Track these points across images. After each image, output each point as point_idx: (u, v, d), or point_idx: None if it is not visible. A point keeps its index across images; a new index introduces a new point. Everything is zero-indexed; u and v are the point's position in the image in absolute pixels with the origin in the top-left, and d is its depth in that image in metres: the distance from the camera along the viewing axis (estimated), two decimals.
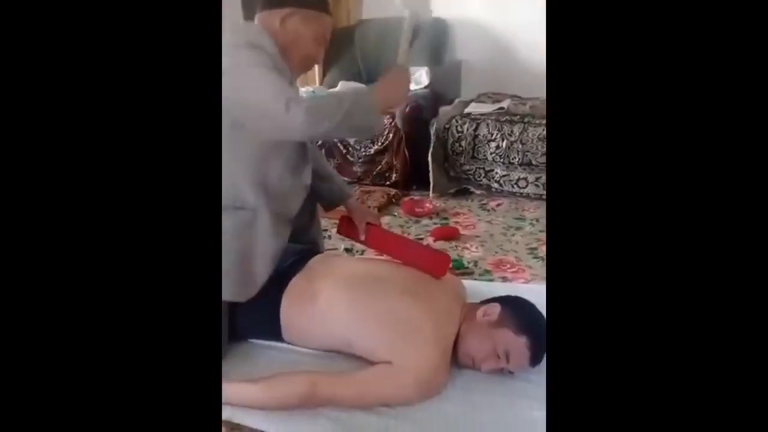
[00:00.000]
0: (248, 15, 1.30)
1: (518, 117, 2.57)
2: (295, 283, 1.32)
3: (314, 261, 1.42)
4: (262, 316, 1.32)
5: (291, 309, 1.30)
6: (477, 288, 1.62)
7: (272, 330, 1.33)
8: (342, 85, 3.11)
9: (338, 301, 1.26)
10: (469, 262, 1.95)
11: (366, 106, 1.18)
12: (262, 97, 1.11)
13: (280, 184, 1.30)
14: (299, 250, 1.45)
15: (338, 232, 1.59)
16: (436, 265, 1.42)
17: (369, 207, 2.43)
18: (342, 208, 1.57)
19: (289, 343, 1.35)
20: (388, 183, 2.74)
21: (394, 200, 2.57)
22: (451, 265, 1.88)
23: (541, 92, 2.79)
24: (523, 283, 1.79)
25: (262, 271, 1.29)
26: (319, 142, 2.81)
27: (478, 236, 2.19)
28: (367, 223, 1.51)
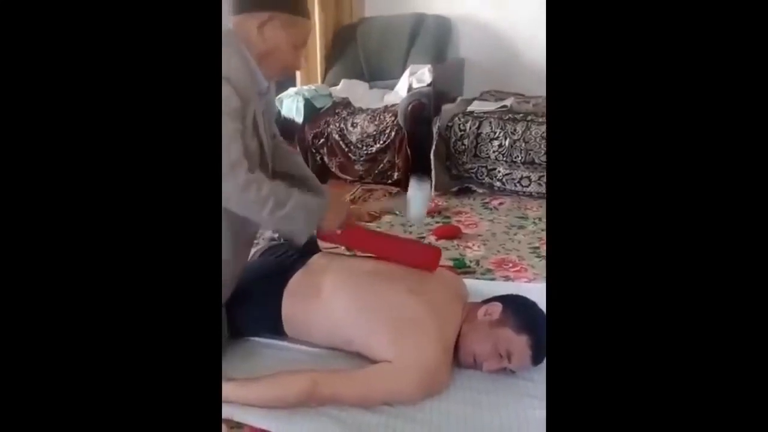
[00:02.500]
0: (235, 10, 1.22)
1: (521, 115, 2.56)
2: (297, 279, 1.32)
3: (316, 258, 1.41)
4: (264, 311, 1.32)
5: (293, 303, 1.30)
6: (479, 287, 1.61)
7: (273, 325, 1.32)
8: (344, 84, 3.10)
9: (340, 297, 1.26)
10: (471, 261, 1.94)
11: (310, 222, 1.18)
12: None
13: None
14: (300, 249, 1.44)
15: (318, 236, 1.47)
16: (425, 259, 1.35)
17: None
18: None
19: (290, 338, 1.35)
20: (389, 181, 2.73)
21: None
22: (452, 264, 1.88)
23: (545, 90, 2.79)
24: (526, 282, 1.78)
25: (223, 291, 1.25)
26: (321, 140, 2.81)
27: (480, 235, 2.18)
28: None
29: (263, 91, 1.26)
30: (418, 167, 2.65)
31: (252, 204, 1.13)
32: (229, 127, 1.10)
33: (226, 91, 1.10)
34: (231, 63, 1.12)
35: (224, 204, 1.11)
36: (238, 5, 1.20)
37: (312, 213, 1.21)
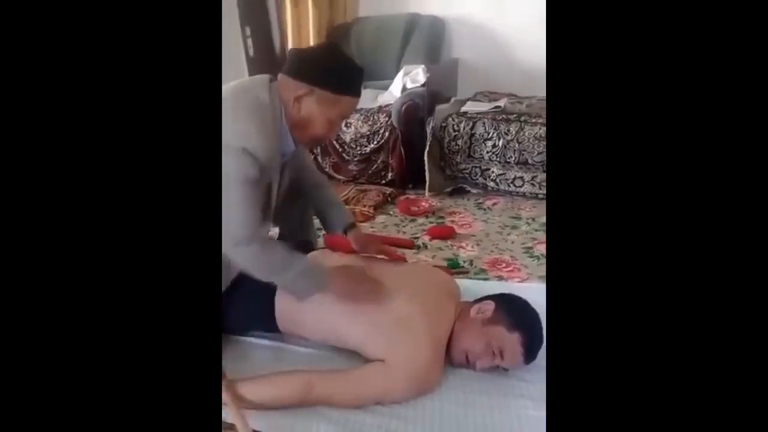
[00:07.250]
0: (252, 71, 1.20)
1: (515, 116, 2.56)
2: None
3: (311, 256, 1.42)
4: (257, 306, 1.32)
5: (286, 298, 1.30)
6: (472, 287, 1.61)
7: (266, 320, 1.32)
8: None
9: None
10: (464, 261, 1.94)
11: (312, 285, 1.22)
12: (226, 213, 0.92)
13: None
14: (296, 247, 1.44)
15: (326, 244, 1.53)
16: None
17: (365, 206, 2.42)
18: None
19: (283, 334, 1.35)
20: (383, 182, 2.72)
21: (389, 199, 2.57)
22: (446, 264, 1.88)
23: (538, 91, 2.79)
24: (519, 282, 1.79)
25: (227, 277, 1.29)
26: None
27: (473, 235, 2.19)
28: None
29: (288, 154, 1.26)
30: (412, 167, 2.65)
31: (258, 271, 1.19)
32: (247, 199, 1.11)
33: (248, 163, 1.09)
34: (257, 132, 1.11)
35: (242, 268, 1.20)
36: (287, 66, 1.18)
37: (320, 278, 1.24)
